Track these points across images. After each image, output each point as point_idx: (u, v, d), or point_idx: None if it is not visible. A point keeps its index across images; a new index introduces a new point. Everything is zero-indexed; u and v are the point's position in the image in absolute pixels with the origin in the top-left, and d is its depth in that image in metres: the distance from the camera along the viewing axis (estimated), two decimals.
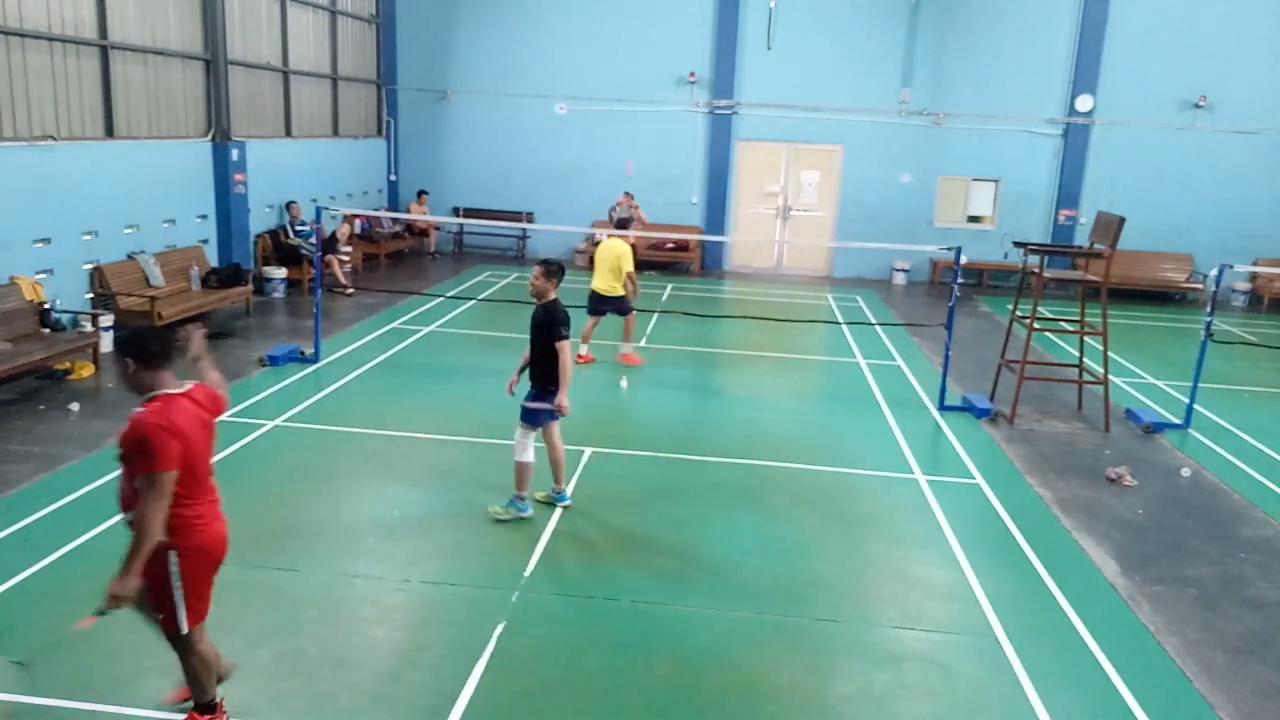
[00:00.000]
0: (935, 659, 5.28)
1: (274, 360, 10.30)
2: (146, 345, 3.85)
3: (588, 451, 8.13)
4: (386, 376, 10.26)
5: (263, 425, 8.39)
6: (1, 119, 9.57)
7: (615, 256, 10.90)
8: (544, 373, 6.59)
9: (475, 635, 5.24)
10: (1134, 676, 5.16)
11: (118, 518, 6.31)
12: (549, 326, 6.51)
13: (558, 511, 6.88)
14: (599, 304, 11.08)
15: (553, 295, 6.61)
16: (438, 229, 19.40)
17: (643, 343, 12.39)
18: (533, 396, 6.66)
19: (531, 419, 6.67)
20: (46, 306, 9.75)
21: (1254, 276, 17.78)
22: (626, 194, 17.18)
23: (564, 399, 6.57)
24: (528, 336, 6.69)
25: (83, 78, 10.77)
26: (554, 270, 6.63)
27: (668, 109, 18.68)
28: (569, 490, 7.05)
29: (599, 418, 9.27)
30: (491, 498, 6.90)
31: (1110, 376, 9.99)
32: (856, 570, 6.33)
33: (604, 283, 10.95)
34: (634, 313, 11.34)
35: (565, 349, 6.49)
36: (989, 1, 17.95)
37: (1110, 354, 10.33)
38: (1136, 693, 5.01)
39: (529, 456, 6.65)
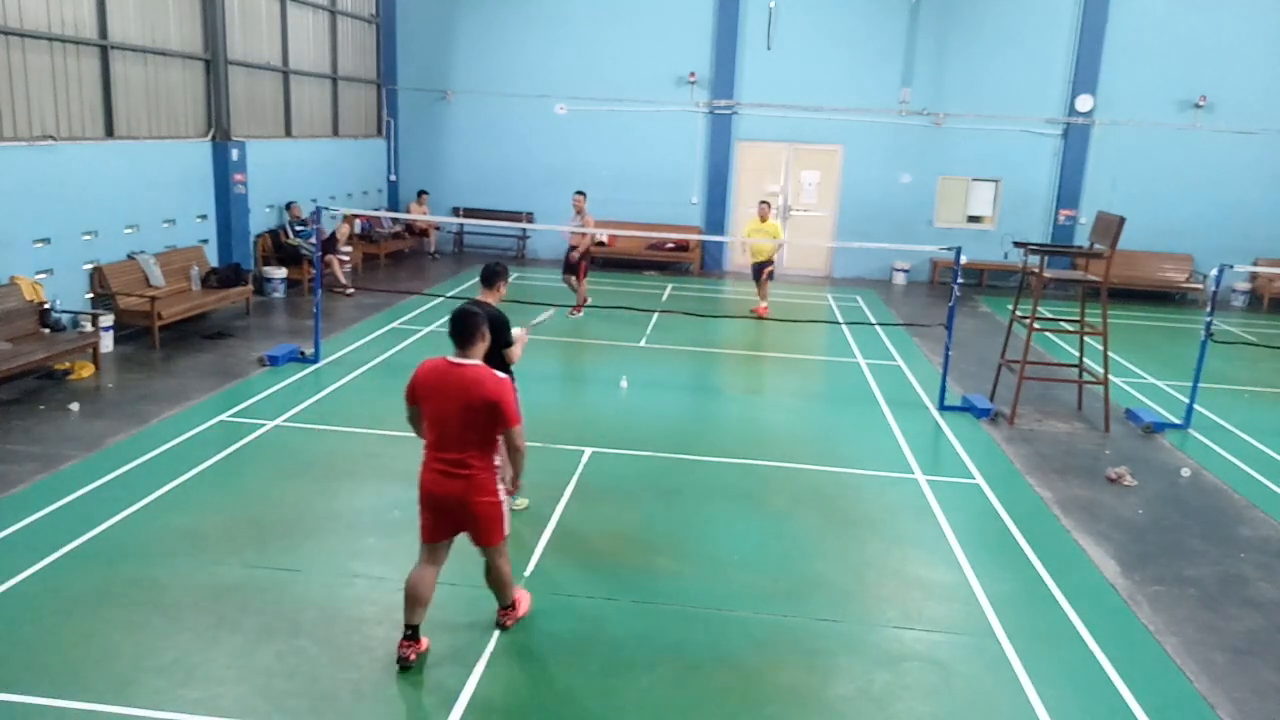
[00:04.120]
0: (935, 659, 5.28)
1: (274, 360, 10.30)
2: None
3: (588, 451, 8.13)
4: (386, 376, 10.25)
5: (263, 425, 8.39)
6: (1, 119, 9.57)
7: (773, 231, 14.51)
8: None
9: (475, 635, 5.24)
10: (1134, 676, 5.16)
11: (121, 516, 6.36)
12: None
13: (558, 511, 6.89)
14: (761, 268, 14.57)
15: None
16: (438, 229, 19.39)
17: (642, 343, 12.41)
18: None
19: None
20: (46, 306, 9.75)
21: (1254, 276, 17.78)
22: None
23: None
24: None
25: (83, 78, 10.77)
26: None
27: (667, 109, 18.68)
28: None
29: (599, 418, 9.28)
30: None
31: (1110, 376, 9.99)
32: (856, 570, 6.33)
33: (766, 255, 14.48)
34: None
35: None
36: (989, 1, 17.96)
37: (1110, 354, 10.32)
38: (1136, 693, 5.01)
39: None
